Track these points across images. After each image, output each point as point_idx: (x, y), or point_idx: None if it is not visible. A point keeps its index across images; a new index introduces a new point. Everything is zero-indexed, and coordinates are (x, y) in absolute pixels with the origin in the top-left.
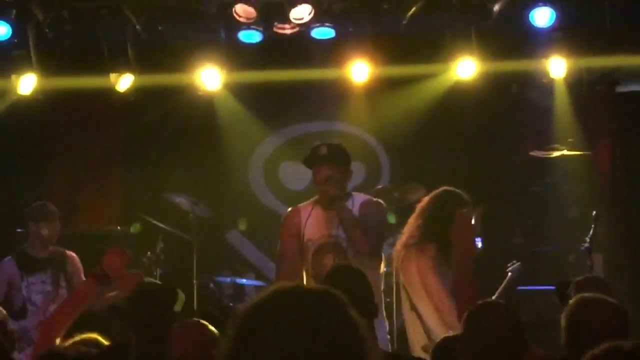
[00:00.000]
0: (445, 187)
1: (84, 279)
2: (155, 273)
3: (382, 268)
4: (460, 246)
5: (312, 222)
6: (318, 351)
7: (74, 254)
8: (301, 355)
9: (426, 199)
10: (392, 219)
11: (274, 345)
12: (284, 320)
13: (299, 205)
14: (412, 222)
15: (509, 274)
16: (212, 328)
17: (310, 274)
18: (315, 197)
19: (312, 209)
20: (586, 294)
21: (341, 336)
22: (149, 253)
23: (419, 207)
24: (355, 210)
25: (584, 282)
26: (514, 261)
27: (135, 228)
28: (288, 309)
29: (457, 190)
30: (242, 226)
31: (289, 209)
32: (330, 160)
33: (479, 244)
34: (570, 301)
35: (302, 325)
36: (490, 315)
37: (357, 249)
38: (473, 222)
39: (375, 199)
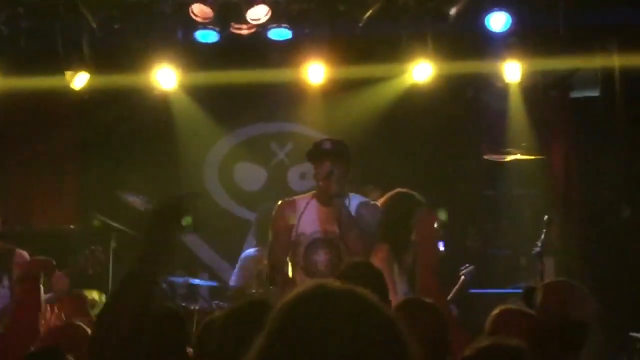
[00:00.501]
0: (399, 189)
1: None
2: (90, 272)
3: None
4: (424, 246)
5: (307, 216)
6: (360, 351)
7: (23, 252)
8: (342, 355)
9: (381, 200)
10: None
11: (313, 344)
12: (325, 319)
13: (295, 197)
14: None
15: (462, 277)
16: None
17: (300, 267)
18: (313, 192)
19: (308, 202)
20: (507, 306)
21: (386, 340)
22: (87, 251)
23: None
24: (352, 210)
25: (552, 285)
26: (467, 264)
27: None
28: (330, 307)
29: (411, 192)
30: (187, 222)
31: (280, 201)
32: (333, 155)
33: (441, 247)
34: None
35: (344, 325)
36: (417, 313)
37: (351, 248)
38: (435, 224)
39: (373, 202)
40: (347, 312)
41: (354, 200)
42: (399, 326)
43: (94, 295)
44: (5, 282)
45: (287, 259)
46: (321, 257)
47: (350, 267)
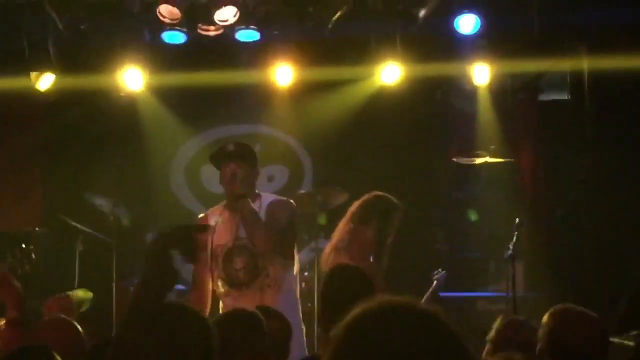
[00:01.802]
0: (376, 192)
1: None
2: (19, 271)
3: (296, 270)
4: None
5: (220, 227)
6: None
7: None
8: None
9: (357, 203)
10: (322, 220)
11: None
12: (393, 340)
13: (208, 211)
14: (342, 225)
15: (435, 281)
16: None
17: (221, 278)
18: (224, 201)
19: (220, 213)
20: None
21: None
22: (16, 250)
23: (350, 211)
24: (263, 211)
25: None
26: (439, 269)
27: None
28: (397, 327)
29: (388, 195)
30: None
31: (200, 215)
32: (237, 158)
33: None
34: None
35: (411, 346)
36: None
37: (259, 248)
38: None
39: (284, 199)
40: (414, 327)
41: (265, 201)
42: (463, 340)
43: (79, 293)
44: None
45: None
46: (238, 265)
47: (331, 271)
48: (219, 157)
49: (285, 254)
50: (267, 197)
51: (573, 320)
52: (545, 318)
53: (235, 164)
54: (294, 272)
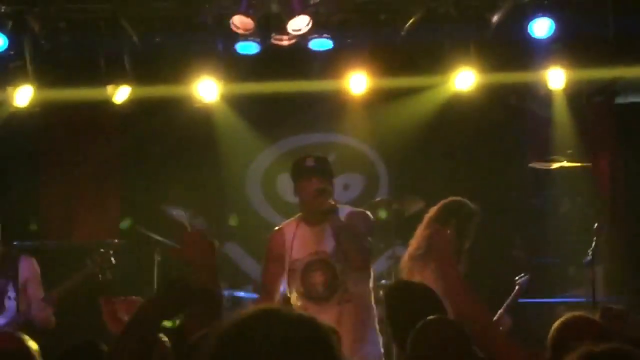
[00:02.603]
0: (453, 198)
1: (39, 287)
2: (99, 277)
3: (372, 282)
4: (441, 264)
5: (298, 241)
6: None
7: (31, 259)
8: None
9: (434, 208)
10: (383, 213)
11: None
12: (264, 341)
13: (283, 224)
14: (419, 232)
15: (517, 286)
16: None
17: (299, 292)
18: (299, 215)
19: (297, 226)
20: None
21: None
22: (95, 255)
23: (427, 217)
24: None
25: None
26: (522, 274)
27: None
28: (269, 330)
29: (465, 201)
30: (233, 222)
31: (275, 228)
32: (319, 172)
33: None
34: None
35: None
36: (439, 331)
37: (351, 263)
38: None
39: (362, 210)
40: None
41: (342, 212)
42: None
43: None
44: (12, 294)
45: (286, 287)
46: (318, 279)
47: (391, 288)
48: (299, 172)
49: (368, 266)
50: (344, 209)
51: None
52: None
53: (317, 178)
54: (370, 285)
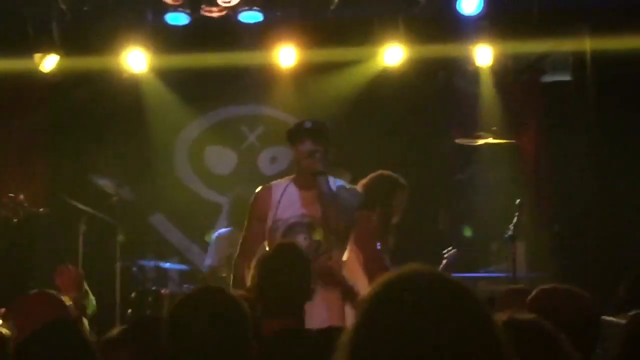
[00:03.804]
0: (381, 171)
1: None
2: (14, 221)
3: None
4: (362, 247)
5: (285, 201)
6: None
7: None
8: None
9: (363, 182)
10: None
11: (404, 328)
12: (418, 305)
13: (272, 182)
14: None
15: (445, 260)
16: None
17: None
18: (292, 176)
19: (286, 187)
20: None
21: (477, 330)
22: (6, 200)
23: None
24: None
25: (509, 293)
26: (450, 247)
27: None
28: (428, 294)
29: (393, 174)
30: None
31: (260, 187)
32: (314, 134)
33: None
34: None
35: (435, 312)
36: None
37: (332, 226)
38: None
39: (355, 187)
40: (444, 294)
41: (335, 183)
42: (492, 317)
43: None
44: None
45: (265, 245)
46: (300, 242)
47: (276, 249)
48: (296, 133)
49: (347, 239)
50: (336, 181)
51: (560, 298)
52: (531, 297)
53: (312, 141)
54: (344, 257)
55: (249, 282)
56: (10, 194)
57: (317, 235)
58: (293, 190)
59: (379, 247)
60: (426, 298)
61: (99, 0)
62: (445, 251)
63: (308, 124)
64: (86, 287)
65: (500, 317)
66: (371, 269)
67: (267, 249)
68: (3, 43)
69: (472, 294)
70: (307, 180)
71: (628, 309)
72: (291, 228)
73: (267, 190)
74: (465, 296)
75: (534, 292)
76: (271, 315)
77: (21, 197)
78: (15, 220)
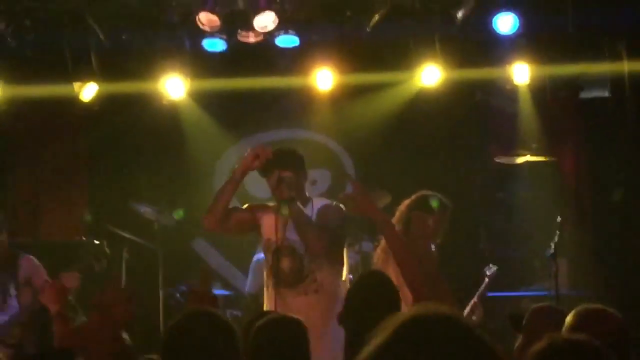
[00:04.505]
0: (423, 191)
1: (45, 278)
2: (97, 269)
3: (345, 276)
4: (410, 249)
5: (270, 223)
6: None
7: (29, 257)
8: None
9: (405, 202)
10: (284, 210)
11: None
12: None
13: (270, 204)
14: None
15: (486, 279)
16: None
17: (271, 272)
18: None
19: (270, 212)
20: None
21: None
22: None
23: (399, 210)
24: (314, 214)
25: (539, 310)
26: (490, 265)
27: (178, 215)
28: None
29: (436, 194)
30: (178, 215)
31: (247, 204)
32: (279, 163)
33: (432, 247)
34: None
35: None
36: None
37: (311, 249)
38: (429, 225)
39: (334, 203)
40: (457, 342)
41: (315, 205)
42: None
43: None
44: (12, 291)
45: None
46: (286, 264)
47: (363, 276)
48: (263, 167)
49: (335, 259)
50: (319, 201)
51: (592, 318)
52: (568, 318)
53: (278, 170)
54: (342, 278)
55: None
56: (97, 242)
57: (298, 259)
58: (274, 216)
59: (433, 249)
60: (438, 345)
61: (137, 27)
62: (486, 268)
63: (270, 155)
64: (73, 302)
65: (555, 337)
66: (421, 271)
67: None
68: (43, 71)
69: (485, 342)
70: (284, 207)
71: None
72: (277, 250)
73: (268, 208)
74: (479, 345)
75: (571, 315)
76: None
77: (105, 244)
78: (96, 269)
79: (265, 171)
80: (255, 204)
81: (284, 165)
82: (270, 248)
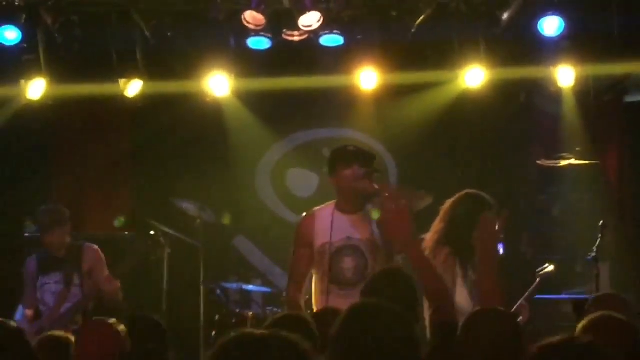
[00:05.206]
0: (468, 191)
1: (105, 268)
2: (152, 257)
3: None
4: (484, 251)
5: (328, 225)
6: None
7: (94, 247)
8: None
9: (449, 201)
10: (375, 214)
11: None
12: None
13: (315, 209)
14: (435, 225)
15: (538, 278)
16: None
17: (326, 275)
18: (334, 201)
19: (332, 212)
20: (596, 315)
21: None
22: (146, 237)
23: (442, 209)
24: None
25: (602, 298)
26: (547, 264)
27: (119, 222)
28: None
29: (481, 194)
30: (226, 220)
31: (304, 214)
32: (361, 159)
33: (500, 250)
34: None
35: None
36: (489, 321)
37: (396, 249)
38: (497, 227)
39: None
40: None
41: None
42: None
43: None
44: (77, 281)
45: (312, 270)
46: (348, 264)
47: (380, 275)
48: (341, 157)
49: (392, 258)
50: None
51: (602, 326)
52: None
53: (359, 164)
54: None
55: (302, 304)
56: (152, 232)
57: (363, 257)
58: (337, 215)
59: (501, 252)
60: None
61: (182, 25)
62: (539, 269)
63: (352, 148)
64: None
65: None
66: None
67: (314, 273)
68: (88, 69)
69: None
70: (352, 204)
71: None
72: (339, 251)
73: (311, 217)
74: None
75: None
76: None
77: (160, 234)
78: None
79: (342, 164)
80: (299, 235)
81: (363, 160)
82: (327, 251)
